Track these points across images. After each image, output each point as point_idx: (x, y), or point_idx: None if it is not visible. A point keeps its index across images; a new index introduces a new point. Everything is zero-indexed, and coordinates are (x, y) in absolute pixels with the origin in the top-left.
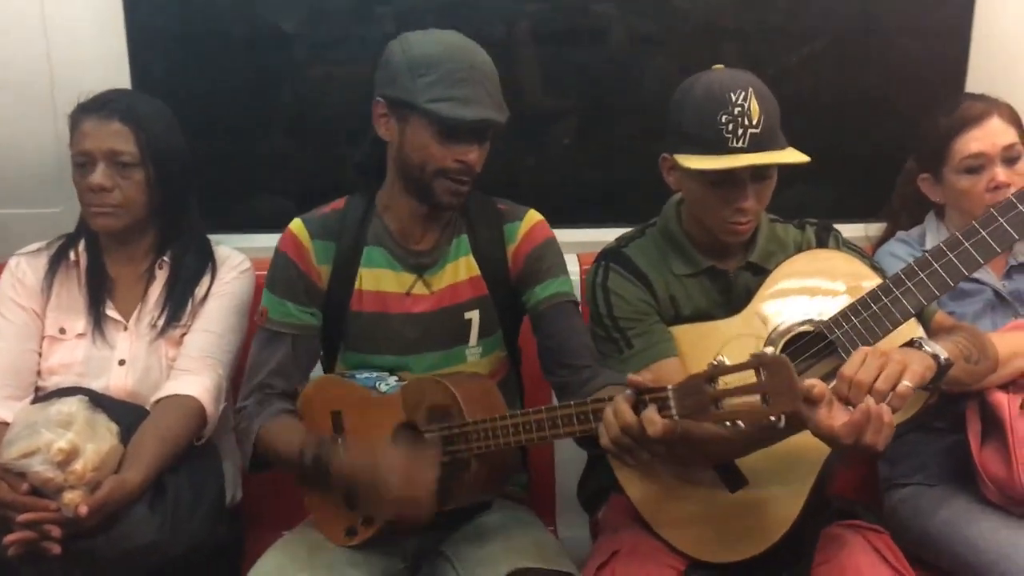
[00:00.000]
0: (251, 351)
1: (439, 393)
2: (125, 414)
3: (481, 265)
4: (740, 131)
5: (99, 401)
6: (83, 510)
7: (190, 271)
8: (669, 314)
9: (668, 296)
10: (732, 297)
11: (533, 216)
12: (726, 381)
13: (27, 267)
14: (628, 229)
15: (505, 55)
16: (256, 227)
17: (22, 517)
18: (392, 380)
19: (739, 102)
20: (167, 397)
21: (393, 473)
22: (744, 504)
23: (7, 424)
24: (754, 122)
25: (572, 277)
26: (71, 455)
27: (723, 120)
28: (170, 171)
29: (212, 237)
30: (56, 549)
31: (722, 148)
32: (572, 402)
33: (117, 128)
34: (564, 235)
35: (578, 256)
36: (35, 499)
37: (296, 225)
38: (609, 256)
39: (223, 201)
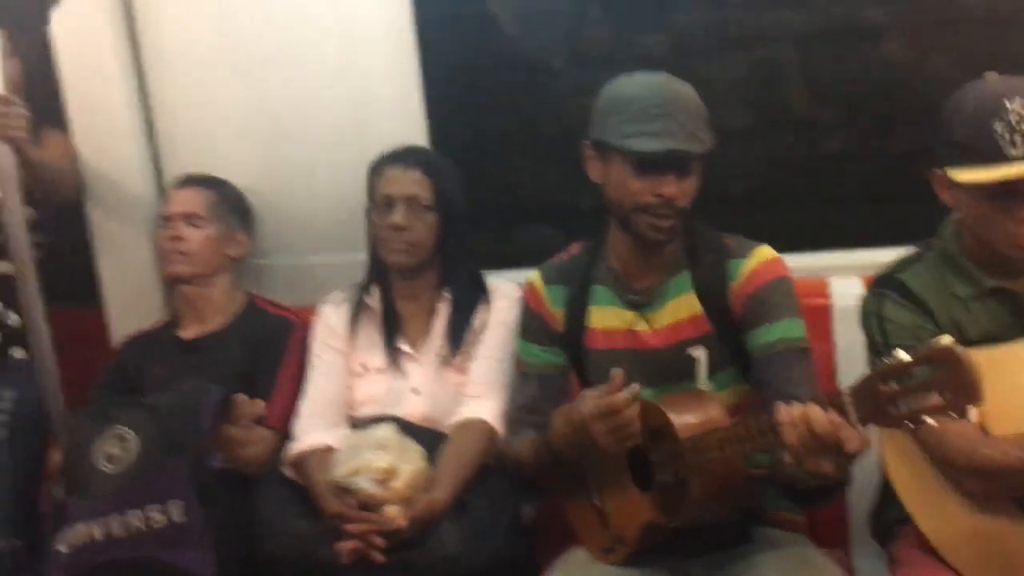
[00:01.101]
0: (510, 390)
1: (655, 415)
2: (425, 438)
3: (703, 302)
4: (1018, 138)
5: (404, 427)
6: (402, 523)
7: (467, 303)
8: (954, 339)
9: (951, 321)
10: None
11: (762, 253)
12: (901, 380)
13: (334, 314)
14: (905, 249)
15: (771, 67)
16: (529, 263)
17: (352, 527)
18: None
19: (1016, 108)
20: (462, 421)
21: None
22: None
23: (331, 448)
24: None
25: (855, 301)
26: (390, 474)
27: (998, 128)
28: (455, 216)
29: (493, 273)
30: (381, 558)
31: (998, 157)
32: (766, 412)
33: (418, 176)
34: (839, 258)
35: (862, 279)
36: (362, 512)
37: (533, 274)
38: (883, 283)
39: (496, 237)
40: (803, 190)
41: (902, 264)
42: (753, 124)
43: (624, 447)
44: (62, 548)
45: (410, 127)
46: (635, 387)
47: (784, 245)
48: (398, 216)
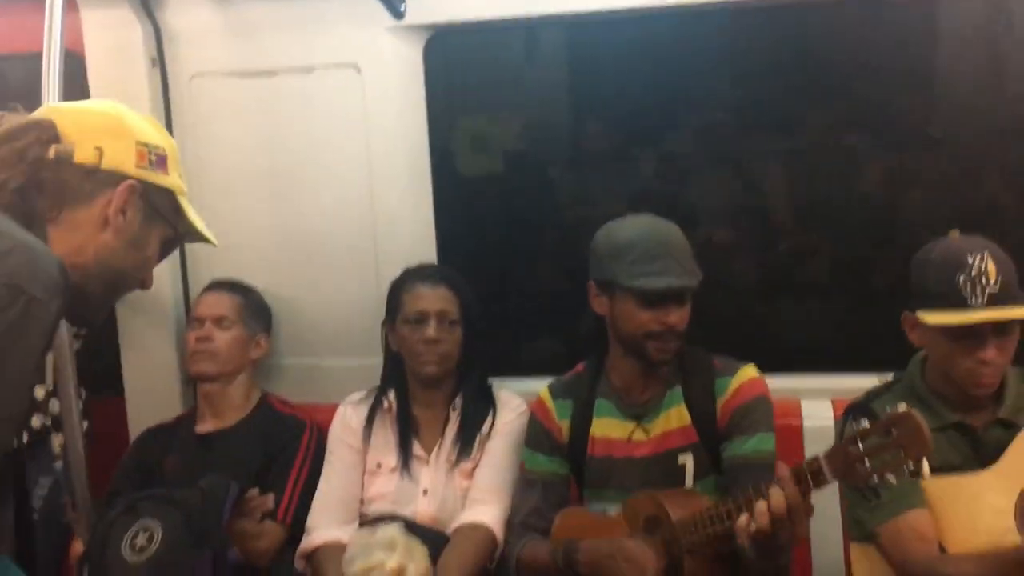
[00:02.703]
0: (514, 494)
1: (649, 504)
2: (430, 538)
3: (692, 415)
4: (978, 289)
5: (410, 526)
6: None
7: (477, 412)
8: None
9: None
10: (982, 452)
11: (746, 372)
12: (867, 443)
13: (352, 413)
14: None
15: (758, 188)
16: (535, 371)
17: None
18: (619, 506)
19: (975, 263)
20: (465, 524)
21: (627, 542)
22: None
23: (343, 544)
24: (991, 281)
25: (825, 422)
26: (399, 573)
27: (961, 280)
28: (477, 328)
29: (496, 380)
30: None
31: (961, 305)
32: (751, 487)
33: (445, 293)
34: (811, 381)
35: (832, 401)
36: None
37: (543, 390)
38: (856, 410)
39: (505, 347)
40: (781, 314)
41: (873, 394)
42: (738, 242)
43: None
44: None
45: (421, 243)
46: None
47: (761, 365)
48: (432, 331)
